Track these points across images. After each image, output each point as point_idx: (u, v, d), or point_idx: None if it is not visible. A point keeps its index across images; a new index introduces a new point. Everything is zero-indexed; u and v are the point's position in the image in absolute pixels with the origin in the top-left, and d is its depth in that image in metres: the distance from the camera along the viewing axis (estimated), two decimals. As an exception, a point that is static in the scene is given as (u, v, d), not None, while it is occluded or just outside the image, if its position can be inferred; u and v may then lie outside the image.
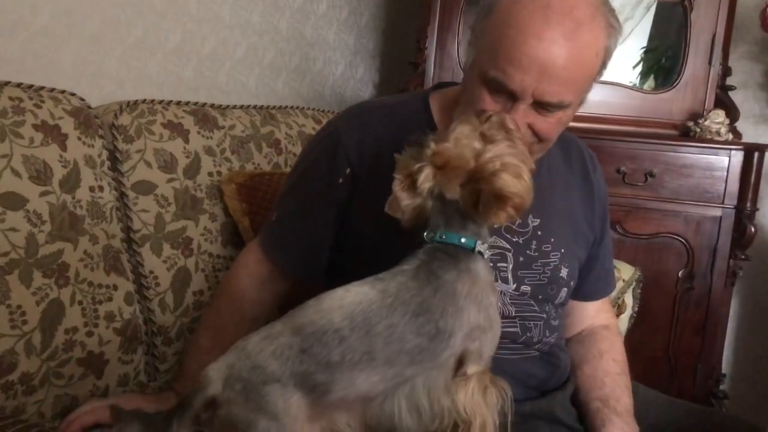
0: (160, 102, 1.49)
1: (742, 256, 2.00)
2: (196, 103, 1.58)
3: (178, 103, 1.53)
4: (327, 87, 2.47)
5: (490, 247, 1.07)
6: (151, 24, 1.70)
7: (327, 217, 1.14)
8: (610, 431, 1.12)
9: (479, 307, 0.85)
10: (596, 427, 1.14)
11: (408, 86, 2.16)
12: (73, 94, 1.30)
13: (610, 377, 1.20)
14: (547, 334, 1.13)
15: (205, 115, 1.55)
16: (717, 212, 1.99)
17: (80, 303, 1.21)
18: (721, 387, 2.13)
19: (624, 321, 1.73)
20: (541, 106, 0.98)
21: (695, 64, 2.10)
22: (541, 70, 0.94)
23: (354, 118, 1.16)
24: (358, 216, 1.11)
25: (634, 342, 1.66)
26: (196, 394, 0.84)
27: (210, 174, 1.50)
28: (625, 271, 1.75)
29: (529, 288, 1.11)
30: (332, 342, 0.81)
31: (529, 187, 0.84)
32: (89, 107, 1.33)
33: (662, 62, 2.33)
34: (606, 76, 1.06)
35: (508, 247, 1.11)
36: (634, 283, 1.76)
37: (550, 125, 1.01)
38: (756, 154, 1.94)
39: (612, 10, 1.01)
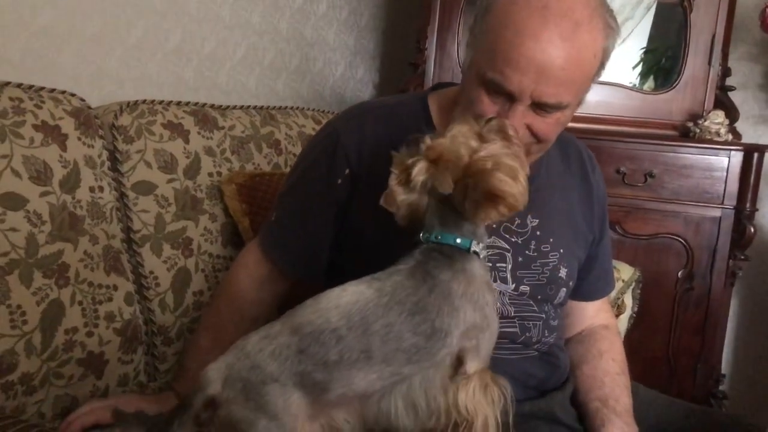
0: (161, 102, 1.49)
1: (742, 257, 2.00)
2: (196, 104, 1.58)
3: (179, 103, 1.54)
4: (327, 87, 2.47)
5: (489, 247, 1.08)
6: (152, 24, 1.70)
7: (326, 217, 1.14)
8: (610, 431, 1.12)
9: (475, 306, 0.85)
10: (596, 427, 1.14)
11: (408, 87, 2.16)
12: (73, 95, 1.30)
13: (609, 377, 1.20)
14: (546, 334, 1.13)
15: (205, 116, 1.56)
16: (716, 213, 1.99)
17: (80, 303, 1.21)
18: (721, 387, 2.13)
19: (623, 321, 1.73)
20: (539, 107, 0.98)
21: (695, 65, 2.10)
22: (539, 71, 0.94)
23: (353, 119, 1.17)
24: (357, 216, 1.12)
25: (633, 342, 1.66)
26: (195, 394, 0.84)
27: (210, 174, 1.51)
28: (624, 272, 1.75)
29: (528, 288, 1.11)
30: (330, 341, 0.82)
31: (524, 189, 0.84)
32: (89, 107, 1.33)
33: (662, 63, 2.33)
34: (605, 76, 1.06)
35: (507, 247, 1.11)
36: (633, 284, 1.77)
37: (548, 126, 1.01)
38: (755, 155, 1.94)
39: (610, 11, 1.01)
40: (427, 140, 0.85)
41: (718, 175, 1.98)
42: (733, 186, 1.97)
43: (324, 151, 1.15)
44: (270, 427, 0.80)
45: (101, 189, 1.29)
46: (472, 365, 0.85)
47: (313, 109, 1.97)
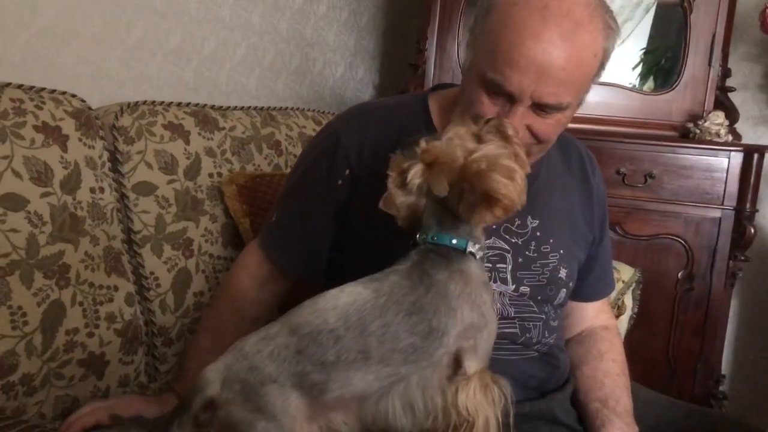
0: (161, 103, 1.49)
1: (742, 257, 2.00)
2: (196, 105, 1.58)
3: (179, 104, 1.54)
4: (327, 88, 2.47)
5: (489, 248, 1.08)
6: (152, 25, 1.70)
7: (327, 218, 1.14)
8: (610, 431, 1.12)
9: (472, 306, 0.85)
10: (596, 428, 1.14)
11: (408, 87, 2.16)
12: (73, 96, 1.31)
13: (609, 378, 1.20)
14: (547, 335, 1.13)
15: (205, 117, 1.56)
16: (716, 213, 1.99)
17: (81, 304, 1.21)
18: (721, 388, 2.13)
19: (624, 322, 1.73)
20: (539, 107, 0.98)
21: (695, 66, 2.10)
22: (539, 71, 0.94)
23: (353, 120, 1.17)
24: (357, 216, 1.12)
25: (633, 343, 1.66)
26: (194, 395, 0.84)
27: (210, 175, 1.51)
28: (624, 272, 1.75)
29: (528, 289, 1.12)
30: (327, 342, 0.82)
31: (521, 189, 0.83)
32: (90, 108, 1.33)
33: (662, 63, 2.33)
34: (605, 77, 1.06)
35: (507, 248, 1.11)
36: (633, 284, 1.77)
37: (548, 126, 1.01)
38: (755, 156, 1.95)
39: (610, 12, 1.01)
40: (423, 143, 0.85)
41: (718, 176, 1.98)
42: (733, 187, 1.97)
43: (324, 152, 1.15)
44: (269, 428, 0.80)
45: (102, 190, 1.29)
46: (471, 365, 0.85)
47: (314, 110, 1.97)
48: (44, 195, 1.18)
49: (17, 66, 1.40)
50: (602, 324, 1.30)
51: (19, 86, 1.22)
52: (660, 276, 2.02)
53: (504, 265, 1.10)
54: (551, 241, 1.14)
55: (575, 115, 1.07)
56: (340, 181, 1.12)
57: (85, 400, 1.21)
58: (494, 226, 1.09)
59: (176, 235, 1.42)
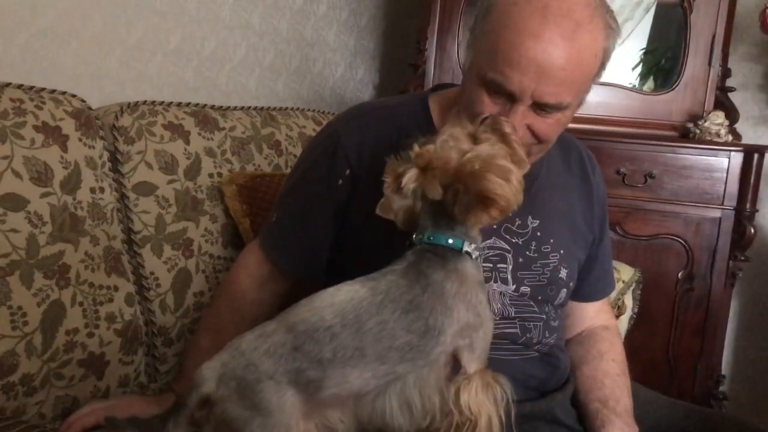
0: (161, 103, 1.49)
1: (742, 258, 2.00)
2: (196, 105, 1.58)
3: (179, 104, 1.54)
4: (327, 88, 2.47)
5: (490, 248, 1.08)
6: (152, 25, 1.70)
7: (327, 218, 1.14)
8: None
9: (468, 305, 0.85)
10: (596, 428, 1.14)
11: (408, 87, 2.16)
12: (73, 96, 1.31)
13: (609, 378, 1.20)
14: (547, 335, 1.13)
15: (205, 117, 1.56)
16: (716, 213, 1.99)
17: (81, 304, 1.21)
18: (721, 388, 2.13)
19: (624, 322, 1.73)
20: (539, 107, 0.98)
21: (695, 66, 2.10)
22: (540, 71, 0.94)
23: (353, 120, 1.17)
24: (357, 216, 1.12)
25: (633, 343, 1.66)
26: (190, 393, 0.84)
27: (210, 175, 1.51)
28: (624, 273, 1.75)
29: (529, 289, 1.12)
30: (324, 339, 0.82)
31: (517, 189, 0.83)
32: (90, 108, 1.33)
33: (662, 63, 2.33)
34: (605, 77, 1.06)
35: (508, 248, 1.11)
36: (633, 285, 1.77)
37: (549, 126, 1.01)
38: (755, 156, 1.95)
39: (610, 11, 1.01)
40: (416, 147, 0.85)
41: (718, 176, 1.98)
42: (733, 187, 1.97)
43: (324, 152, 1.15)
44: (264, 424, 0.80)
45: (102, 190, 1.29)
46: (470, 365, 0.86)
47: (314, 110, 1.97)
48: (44, 195, 1.18)
49: (17, 66, 1.40)
50: (602, 324, 1.30)
51: (19, 86, 1.22)
52: (660, 276, 2.02)
53: (504, 265, 1.10)
54: (552, 241, 1.14)
55: (575, 115, 1.07)
56: (340, 181, 1.12)
57: (85, 400, 1.21)
58: (495, 226, 1.10)
59: (176, 235, 1.42)
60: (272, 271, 1.19)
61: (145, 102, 1.46)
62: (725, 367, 2.40)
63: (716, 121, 2.02)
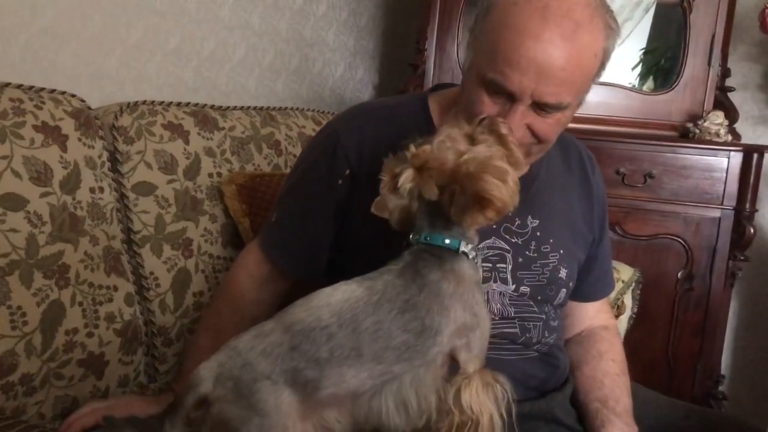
0: (161, 103, 1.49)
1: (742, 257, 2.01)
2: (196, 105, 1.58)
3: (179, 104, 1.54)
4: (327, 88, 2.47)
5: (489, 247, 1.08)
6: (151, 25, 1.70)
7: (326, 218, 1.14)
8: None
9: (465, 305, 0.85)
10: (595, 428, 1.14)
11: (407, 87, 2.16)
12: (73, 96, 1.31)
13: (609, 378, 1.20)
14: (547, 335, 1.13)
15: (205, 117, 1.56)
16: (716, 213, 1.99)
17: (80, 304, 1.21)
18: (720, 388, 2.13)
19: (623, 322, 1.73)
20: (539, 107, 0.98)
21: (694, 66, 2.11)
22: (540, 71, 0.94)
23: (353, 120, 1.17)
24: (357, 216, 1.12)
25: (633, 343, 1.66)
26: (187, 393, 0.84)
27: (210, 175, 1.51)
28: (624, 273, 1.75)
29: (529, 289, 1.12)
30: (321, 339, 0.82)
31: (513, 190, 0.83)
32: (89, 108, 1.33)
33: (661, 63, 2.33)
34: (605, 77, 1.06)
35: (507, 248, 1.11)
36: (633, 284, 1.77)
37: (548, 126, 1.01)
38: (755, 156, 1.95)
39: (610, 12, 1.01)
40: (412, 148, 0.85)
41: (717, 176, 1.98)
42: (733, 187, 1.97)
43: (324, 152, 1.15)
44: (261, 424, 0.80)
45: (101, 190, 1.30)
46: (468, 365, 0.86)
47: (313, 110, 1.97)
48: (44, 195, 1.18)
49: (17, 66, 1.40)
50: (602, 324, 1.30)
51: (19, 86, 1.22)
52: (660, 276, 2.02)
53: (504, 265, 1.10)
54: (551, 241, 1.14)
55: (575, 115, 1.07)
56: (340, 181, 1.12)
57: (84, 400, 1.21)
58: (494, 226, 1.09)
59: (176, 235, 1.42)
60: (272, 271, 1.19)
61: (144, 102, 1.46)
62: (725, 367, 2.40)
63: (716, 121, 2.02)
